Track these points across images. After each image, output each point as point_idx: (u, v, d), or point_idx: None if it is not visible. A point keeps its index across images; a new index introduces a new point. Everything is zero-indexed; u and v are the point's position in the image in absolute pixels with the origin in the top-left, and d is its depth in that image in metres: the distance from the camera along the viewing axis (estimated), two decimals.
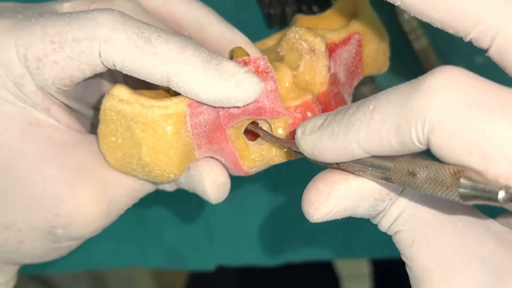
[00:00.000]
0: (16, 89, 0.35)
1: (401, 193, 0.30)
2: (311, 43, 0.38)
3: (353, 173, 0.30)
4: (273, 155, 0.38)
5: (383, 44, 0.43)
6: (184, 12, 0.41)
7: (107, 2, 0.38)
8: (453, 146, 0.24)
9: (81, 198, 0.36)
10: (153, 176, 0.36)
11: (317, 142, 0.30)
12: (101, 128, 0.36)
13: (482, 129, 0.24)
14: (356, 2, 0.43)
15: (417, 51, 0.57)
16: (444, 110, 0.24)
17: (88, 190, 0.36)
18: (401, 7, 0.29)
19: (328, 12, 0.44)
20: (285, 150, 0.37)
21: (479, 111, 0.24)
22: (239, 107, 0.35)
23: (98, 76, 0.39)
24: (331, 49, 0.38)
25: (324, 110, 0.38)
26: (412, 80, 0.26)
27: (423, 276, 0.29)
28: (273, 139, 0.36)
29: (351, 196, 0.30)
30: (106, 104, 0.35)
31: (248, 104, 0.35)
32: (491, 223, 0.30)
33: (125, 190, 0.38)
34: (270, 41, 0.43)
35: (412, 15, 0.29)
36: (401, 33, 0.57)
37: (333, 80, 0.39)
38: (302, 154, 0.32)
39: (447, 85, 0.24)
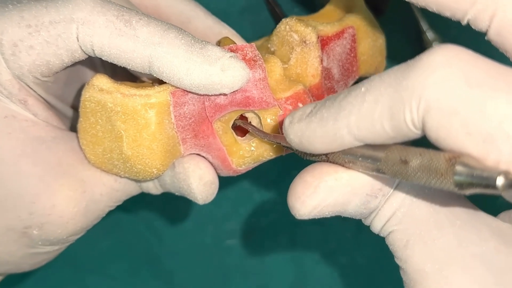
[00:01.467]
0: None
1: (395, 190, 0.29)
2: (302, 33, 0.37)
3: (343, 165, 0.28)
4: (262, 150, 0.36)
5: (379, 41, 0.42)
6: (169, 5, 0.40)
7: None
8: (450, 127, 0.23)
9: (58, 195, 0.34)
10: (135, 172, 0.34)
11: (305, 130, 0.28)
12: (81, 122, 0.35)
13: (483, 108, 0.22)
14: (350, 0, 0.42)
15: None
16: (442, 87, 0.23)
17: (65, 187, 0.35)
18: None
19: (321, 11, 0.44)
20: (275, 145, 0.35)
21: (480, 89, 0.22)
22: (225, 97, 0.33)
23: (81, 74, 0.38)
24: (324, 42, 0.37)
25: None
26: (408, 60, 0.24)
27: (419, 278, 0.28)
28: (262, 135, 0.34)
29: (341, 189, 0.28)
30: (86, 94, 0.34)
31: (235, 94, 0.33)
32: (493, 221, 0.28)
33: (106, 189, 0.36)
34: (260, 42, 0.42)
35: None
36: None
37: (326, 74, 0.38)
38: (291, 149, 0.30)
39: (446, 62, 0.23)
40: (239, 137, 0.36)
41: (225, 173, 0.37)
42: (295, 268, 0.65)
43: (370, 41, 0.41)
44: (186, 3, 0.40)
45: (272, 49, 0.38)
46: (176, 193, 0.38)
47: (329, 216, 0.29)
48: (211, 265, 0.66)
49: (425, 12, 0.52)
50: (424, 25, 0.52)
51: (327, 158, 0.29)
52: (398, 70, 0.24)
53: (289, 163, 0.39)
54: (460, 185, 0.22)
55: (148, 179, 0.35)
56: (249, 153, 0.36)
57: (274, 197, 0.63)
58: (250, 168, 0.37)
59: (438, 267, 0.27)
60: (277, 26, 0.38)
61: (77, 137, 0.36)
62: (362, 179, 0.28)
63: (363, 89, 0.25)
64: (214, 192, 0.37)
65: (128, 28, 0.32)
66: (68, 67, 0.35)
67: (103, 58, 0.33)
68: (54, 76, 0.35)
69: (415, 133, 0.24)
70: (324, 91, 0.37)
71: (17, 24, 0.33)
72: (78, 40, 0.33)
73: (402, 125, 0.24)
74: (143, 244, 0.64)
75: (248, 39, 0.57)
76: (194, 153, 0.36)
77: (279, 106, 0.35)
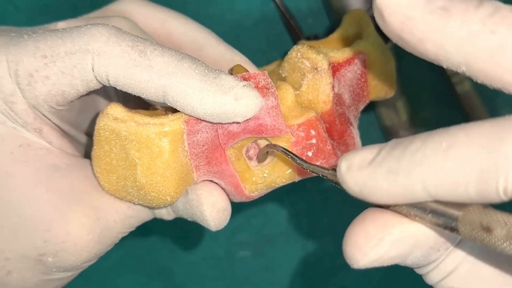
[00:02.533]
0: (6, 108, 0.34)
1: (458, 245, 0.27)
2: (313, 61, 0.37)
3: (406, 217, 0.26)
4: (275, 177, 0.36)
5: (389, 66, 0.42)
6: (182, 33, 0.41)
7: (103, 21, 0.37)
8: None
9: (72, 223, 0.34)
10: (149, 200, 0.34)
11: (368, 180, 0.25)
12: (95, 150, 0.35)
13: None
14: (360, 24, 0.42)
15: (460, 95, 0.55)
16: None
17: (80, 214, 0.35)
18: (467, 74, 0.25)
19: (332, 37, 0.44)
20: (288, 172, 0.35)
21: None
22: (238, 125, 0.34)
23: (95, 102, 0.38)
24: (335, 69, 0.37)
25: (328, 130, 0.37)
26: (498, 119, 0.23)
27: None
28: (305, 165, 0.33)
29: (405, 242, 0.26)
30: (100, 123, 0.34)
31: (248, 121, 0.33)
32: None
33: (120, 216, 0.36)
34: (272, 66, 0.43)
35: (479, 82, 0.25)
36: (443, 76, 0.55)
37: (338, 100, 0.38)
38: (338, 185, 0.28)
39: None
40: (252, 163, 0.36)
41: (238, 199, 0.37)
42: (307, 281, 0.65)
43: (381, 66, 0.41)
44: (198, 31, 0.41)
45: (284, 75, 0.38)
46: (189, 219, 0.38)
47: (386, 265, 0.28)
48: (223, 277, 0.66)
49: None
50: None
51: (389, 206, 0.27)
52: (491, 131, 0.23)
53: None
54: None
55: (162, 206, 0.35)
56: (262, 180, 0.36)
57: (286, 208, 0.63)
58: (263, 194, 0.37)
59: None
60: (289, 52, 0.38)
61: (91, 164, 0.36)
62: (427, 232, 0.26)
63: (444, 144, 0.23)
64: (227, 218, 0.37)
65: (142, 59, 0.32)
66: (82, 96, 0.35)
67: (117, 88, 0.33)
68: (69, 104, 0.35)
69: (503, 200, 0.23)
70: (335, 117, 0.37)
71: (32, 55, 0.33)
72: (93, 71, 0.33)
73: (492, 191, 0.22)
74: (155, 256, 0.65)
75: (263, 50, 0.57)
76: (207, 180, 0.36)
77: (291, 133, 0.35)
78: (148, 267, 0.65)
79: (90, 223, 0.35)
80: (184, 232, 0.64)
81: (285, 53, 0.56)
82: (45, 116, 0.35)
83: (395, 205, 0.26)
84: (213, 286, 0.66)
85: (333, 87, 0.37)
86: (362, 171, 0.26)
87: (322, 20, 0.57)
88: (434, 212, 0.25)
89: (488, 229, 0.23)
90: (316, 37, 0.54)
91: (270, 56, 0.57)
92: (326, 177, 0.31)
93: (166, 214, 0.38)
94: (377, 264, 0.27)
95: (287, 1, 0.56)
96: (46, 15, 0.57)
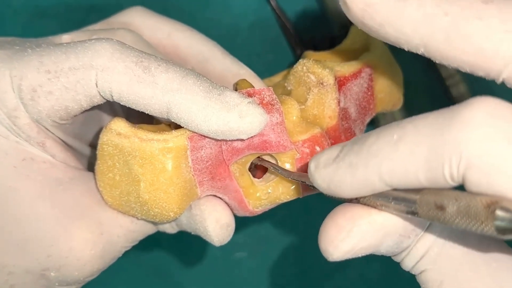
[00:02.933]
0: (9, 122, 0.34)
1: (427, 229, 0.28)
2: (319, 75, 0.36)
3: (375, 208, 0.28)
4: (279, 193, 0.36)
5: (396, 79, 0.42)
6: (187, 45, 0.41)
7: (108, 34, 0.37)
8: (493, 182, 0.22)
9: (75, 238, 0.34)
10: (152, 215, 0.34)
11: (333, 175, 0.28)
12: (99, 165, 0.35)
13: None
14: (367, 37, 0.41)
15: (455, 97, 0.55)
16: (484, 144, 0.22)
17: (83, 229, 0.35)
18: (426, 55, 0.27)
19: (339, 48, 0.44)
20: (293, 187, 0.36)
21: None
22: (243, 141, 0.33)
23: (99, 113, 0.38)
24: (341, 83, 0.37)
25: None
26: (443, 110, 0.24)
27: None
28: (285, 173, 0.34)
29: (374, 232, 0.28)
30: (104, 138, 0.34)
31: (252, 138, 0.33)
32: None
33: (123, 231, 0.36)
34: (277, 78, 0.42)
35: (437, 62, 0.27)
36: (438, 79, 0.55)
37: (344, 115, 0.38)
38: (316, 188, 0.29)
39: (487, 118, 0.23)
40: (256, 179, 0.36)
41: (241, 214, 0.37)
42: (304, 282, 0.65)
43: (388, 79, 0.41)
44: (204, 44, 0.41)
45: (289, 88, 0.38)
46: (192, 233, 0.38)
47: (360, 256, 0.29)
48: (220, 278, 0.66)
49: None
50: None
51: (357, 200, 0.28)
52: (435, 121, 0.24)
53: None
54: (502, 231, 0.22)
55: (165, 222, 0.35)
56: (266, 196, 0.36)
57: (283, 210, 0.63)
58: (267, 210, 0.37)
59: None
60: (294, 66, 0.38)
61: (94, 178, 0.36)
62: (395, 221, 0.28)
63: (395, 136, 0.25)
64: (230, 234, 0.37)
65: (146, 75, 0.32)
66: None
67: (121, 103, 0.33)
68: (72, 118, 0.35)
69: (451, 185, 0.24)
70: (341, 132, 0.37)
71: (36, 70, 0.33)
72: (97, 86, 0.33)
73: (439, 178, 0.24)
74: (152, 257, 0.65)
75: (259, 53, 0.57)
76: (211, 195, 0.36)
77: (296, 150, 0.35)
78: (145, 267, 0.65)
79: (93, 238, 0.35)
80: (180, 233, 0.64)
81: (282, 57, 0.57)
82: (48, 130, 0.35)
83: (362, 198, 0.28)
84: (209, 286, 0.66)
85: (339, 102, 0.37)
86: (328, 168, 0.28)
87: (318, 23, 0.57)
88: (395, 199, 0.26)
89: (441, 207, 0.24)
90: (312, 40, 0.54)
91: (266, 59, 0.57)
92: (305, 182, 0.32)
93: (169, 228, 0.39)
94: (350, 255, 0.28)
95: (283, 5, 0.56)
96: (43, 18, 0.57)
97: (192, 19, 0.57)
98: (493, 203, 0.22)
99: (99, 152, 0.34)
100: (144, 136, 0.33)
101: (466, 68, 0.26)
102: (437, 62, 0.27)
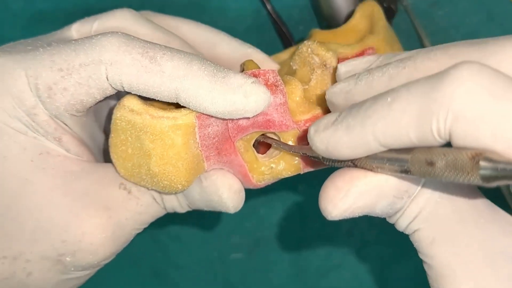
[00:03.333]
0: (28, 119, 0.35)
1: (419, 191, 0.30)
2: (322, 57, 0.38)
3: (371, 170, 0.30)
4: (281, 169, 0.38)
5: None
6: (195, 34, 0.42)
7: (108, 15, 0.39)
8: (478, 134, 0.24)
9: (87, 223, 0.36)
10: (161, 187, 0.36)
11: (331, 137, 0.30)
12: (112, 138, 0.36)
13: (507, 115, 0.24)
14: (372, 18, 0.43)
15: None
16: (468, 98, 0.25)
17: (93, 215, 0.36)
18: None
19: (344, 27, 0.45)
20: (295, 162, 0.37)
21: (503, 98, 0.24)
22: (248, 119, 0.35)
23: (107, 100, 0.40)
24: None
25: None
26: (433, 74, 0.26)
27: (446, 274, 0.30)
28: (287, 147, 0.36)
29: (370, 192, 0.30)
30: (117, 114, 0.35)
31: (257, 117, 0.35)
32: (508, 216, 0.30)
33: (130, 214, 0.38)
34: (284, 55, 0.44)
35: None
36: None
37: None
38: (317, 158, 0.32)
39: (471, 75, 0.25)
40: (260, 155, 0.38)
41: (245, 186, 0.38)
42: (299, 283, 0.66)
43: None
44: (210, 30, 0.42)
45: (294, 68, 0.40)
46: (205, 208, 0.39)
47: (357, 216, 0.31)
48: (217, 279, 0.66)
49: (429, 32, 0.53)
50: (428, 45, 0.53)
51: (354, 164, 0.30)
52: (425, 82, 0.26)
53: (295, 178, 0.40)
54: (486, 179, 0.24)
55: (173, 193, 0.37)
56: (269, 170, 0.38)
57: (279, 211, 0.64)
58: (270, 183, 0.39)
59: (464, 262, 0.29)
60: (300, 46, 0.39)
61: (102, 167, 0.38)
62: (389, 182, 0.30)
63: (389, 99, 0.27)
64: (243, 199, 0.38)
65: (153, 65, 0.33)
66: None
67: (132, 92, 0.34)
68: (87, 109, 0.37)
69: (439, 142, 0.26)
70: None
71: (49, 68, 0.34)
72: (107, 79, 0.34)
73: (428, 134, 0.26)
74: (149, 257, 0.65)
75: None
76: (217, 168, 0.38)
77: (298, 129, 0.36)
78: (142, 268, 0.65)
79: (103, 222, 0.36)
80: (177, 234, 0.64)
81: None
82: (66, 125, 0.36)
83: (358, 160, 0.30)
84: (206, 287, 0.66)
85: None
86: (326, 130, 0.30)
87: (312, 27, 0.58)
88: (390, 160, 0.28)
89: (431, 163, 0.26)
90: None
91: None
92: (306, 154, 0.34)
93: (178, 207, 0.40)
94: (348, 214, 0.31)
95: (279, 9, 0.57)
96: (42, 22, 0.58)
97: None
98: (477, 155, 0.24)
99: (112, 126, 0.36)
100: (155, 113, 0.34)
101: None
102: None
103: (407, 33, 0.54)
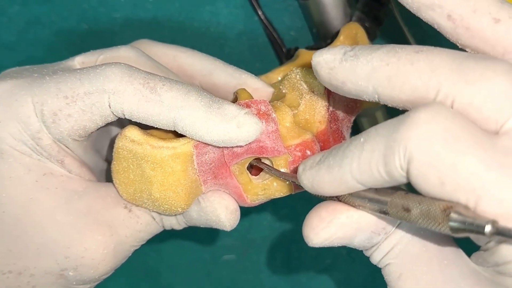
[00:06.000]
0: (33, 143, 0.38)
1: (395, 230, 0.33)
2: (310, 85, 0.41)
3: (353, 207, 0.33)
4: (274, 190, 0.40)
5: None
6: (191, 63, 0.45)
7: (113, 51, 0.42)
8: (427, 176, 0.27)
9: (89, 240, 0.38)
10: (162, 210, 0.39)
11: (315, 175, 0.32)
12: (115, 165, 0.39)
13: (455, 162, 0.26)
14: (356, 39, 0.45)
15: None
16: (422, 141, 0.27)
17: (95, 232, 0.39)
18: (380, 101, 0.32)
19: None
20: (287, 183, 0.40)
21: (454, 145, 0.26)
22: (242, 146, 0.38)
23: (108, 128, 0.43)
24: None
25: (322, 148, 0.41)
26: (400, 115, 0.29)
27: None
28: (277, 174, 0.39)
29: (351, 225, 0.33)
30: (119, 143, 0.38)
31: (251, 144, 0.38)
32: (470, 261, 0.32)
33: (130, 231, 0.40)
34: (274, 74, 0.46)
35: (389, 105, 0.32)
36: None
37: (332, 117, 0.42)
38: (304, 188, 0.34)
39: (428, 118, 0.27)
40: (253, 177, 0.41)
41: (240, 205, 0.41)
42: (290, 284, 0.67)
43: None
44: (205, 59, 0.44)
45: (284, 91, 0.42)
46: (201, 226, 0.42)
47: (336, 246, 0.34)
48: (209, 280, 0.67)
49: (418, 40, 0.54)
50: None
51: (338, 200, 0.33)
52: (390, 124, 0.29)
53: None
54: (455, 230, 0.27)
55: (173, 215, 0.40)
56: (262, 191, 0.40)
57: (271, 214, 0.65)
58: (263, 202, 0.41)
59: None
60: (288, 73, 0.42)
61: (104, 186, 0.40)
62: (369, 219, 0.33)
63: (362, 139, 0.30)
64: (238, 218, 0.41)
65: (153, 95, 0.36)
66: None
67: (132, 120, 0.37)
68: (89, 135, 0.39)
69: (404, 176, 0.28)
70: (329, 135, 0.41)
71: (55, 96, 0.37)
72: (110, 107, 0.37)
73: (394, 170, 0.28)
74: (142, 258, 0.66)
75: (246, 62, 0.59)
76: (214, 189, 0.41)
77: (289, 153, 0.39)
78: (135, 268, 0.66)
79: (104, 239, 0.39)
80: (171, 235, 0.65)
81: (269, 66, 0.58)
82: (68, 148, 0.39)
83: (342, 197, 0.33)
84: None
85: (328, 108, 0.41)
86: (312, 169, 0.33)
87: (303, 33, 0.59)
88: (371, 200, 0.31)
89: (407, 209, 0.29)
90: (297, 49, 0.56)
91: (253, 68, 0.57)
92: (294, 182, 0.37)
93: (176, 224, 0.42)
94: (328, 243, 0.33)
95: (270, 15, 0.59)
96: (37, 25, 0.59)
97: (181, 29, 0.58)
98: (448, 208, 0.27)
99: (115, 155, 0.39)
100: (155, 143, 0.37)
101: (408, 105, 0.30)
102: (388, 105, 0.32)
103: (396, 41, 0.55)
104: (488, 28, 0.30)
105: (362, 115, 0.56)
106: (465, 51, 0.31)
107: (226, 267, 0.66)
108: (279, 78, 0.46)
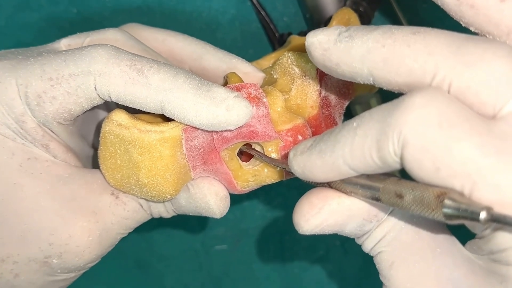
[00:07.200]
0: (17, 126, 0.37)
1: (387, 217, 0.33)
2: (302, 69, 0.40)
3: (345, 193, 0.32)
4: (265, 176, 0.40)
5: None
6: (181, 47, 0.44)
7: (99, 34, 0.41)
8: (422, 162, 0.27)
9: (74, 226, 0.38)
10: (150, 196, 0.38)
11: (306, 161, 0.32)
12: (101, 150, 0.38)
13: (450, 147, 0.26)
14: (348, 24, 0.45)
15: None
16: (417, 126, 0.26)
17: (80, 218, 0.38)
18: (375, 84, 0.31)
19: None
20: (278, 169, 0.39)
21: (449, 130, 0.26)
22: (232, 131, 0.37)
23: (95, 112, 0.43)
24: (322, 74, 0.40)
25: (314, 133, 0.40)
26: (394, 99, 0.28)
27: None
28: (268, 160, 0.38)
29: (342, 212, 0.32)
30: (106, 128, 0.37)
31: (241, 128, 0.37)
32: (464, 249, 0.32)
33: (116, 218, 0.40)
34: (265, 61, 0.46)
35: (384, 88, 0.31)
36: None
37: (324, 103, 0.41)
38: (294, 174, 0.34)
39: (423, 103, 0.27)
40: (244, 163, 0.40)
41: (230, 192, 0.41)
42: (283, 275, 0.67)
43: None
44: (196, 43, 0.44)
45: (275, 76, 0.42)
46: (190, 214, 0.41)
47: (327, 233, 0.33)
48: (201, 270, 0.67)
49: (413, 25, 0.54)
50: None
51: (330, 185, 0.33)
52: (385, 108, 0.28)
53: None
54: (449, 217, 0.26)
55: (161, 201, 0.40)
56: (252, 178, 0.40)
57: (263, 204, 0.65)
58: (253, 189, 0.41)
59: (417, 287, 0.31)
60: (280, 57, 0.41)
61: (90, 172, 0.40)
62: (360, 205, 0.32)
63: (354, 124, 0.29)
64: (228, 205, 0.41)
65: (140, 77, 0.35)
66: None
67: (119, 103, 0.37)
68: (75, 118, 0.39)
69: (398, 162, 0.28)
70: (321, 121, 0.41)
71: (39, 78, 0.36)
72: (96, 90, 0.36)
73: (387, 156, 0.28)
74: (133, 248, 0.66)
75: (239, 47, 0.59)
76: (204, 176, 0.40)
77: (280, 138, 0.38)
78: (126, 259, 0.66)
79: (89, 226, 0.38)
80: (161, 225, 0.65)
81: (262, 51, 0.57)
82: (53, 132, 0.38)
83: (334, 183, 0.32)
84: (190, 279, 0.67)
85: (320, 93, 0.41)
86: (303, 155, 0.32)
87: (296, 18, 0.59)
88: (363, 186, 0.31)
89: (400, 196, 0.29)
90: (290, 35, 0.55)
91: (246, 54, 0.58)
92: (285, 168, 0.37)
93: (164, 212, 0.42)
94: (318, 230, 0.33)
95: (263, 0, 0.58)
96: (26, 11, 0.59)
97: (173, 13, 0.58)
98: (442, 194, 0.26)
99: (101, 140, 0.38)
100: (142, 127, 0.36)
101: (404, 88, 0.30)
102: (384, 88, 0.31)
103: None
104: (493, 6, 0.30)
105: (356, 102, 0.56)
106: (468, 31, 0.31)
107: (218, 257, 0.66)
108: (270, 65, 0.45)
